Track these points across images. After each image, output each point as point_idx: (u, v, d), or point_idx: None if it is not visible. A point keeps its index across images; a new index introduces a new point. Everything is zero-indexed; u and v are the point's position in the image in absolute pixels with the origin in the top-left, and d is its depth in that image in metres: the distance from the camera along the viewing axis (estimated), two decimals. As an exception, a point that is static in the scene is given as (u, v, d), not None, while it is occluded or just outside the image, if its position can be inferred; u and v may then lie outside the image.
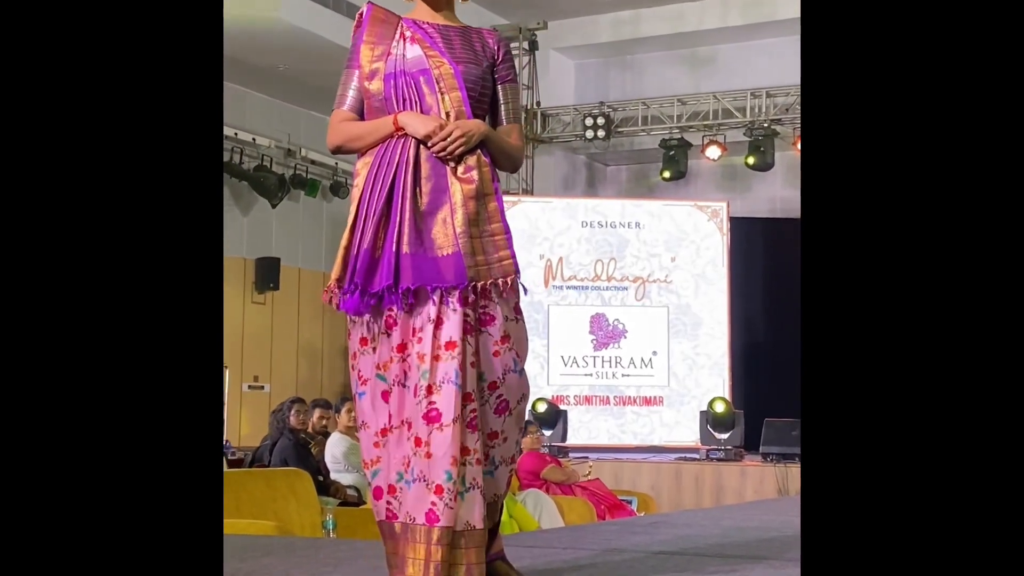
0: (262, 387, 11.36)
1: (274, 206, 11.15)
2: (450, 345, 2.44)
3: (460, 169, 2.53)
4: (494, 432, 2.52)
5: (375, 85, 2.60)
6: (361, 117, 2.65)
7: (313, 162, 11.60)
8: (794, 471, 8.57)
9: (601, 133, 11.40)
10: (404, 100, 2.58)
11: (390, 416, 2.50)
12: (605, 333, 10.64)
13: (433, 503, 2.39)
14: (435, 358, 2.44)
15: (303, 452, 6.81)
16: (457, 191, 2.51)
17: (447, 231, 2.49)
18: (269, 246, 11.46)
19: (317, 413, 7.62)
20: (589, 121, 11.42)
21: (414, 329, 2.47)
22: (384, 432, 2.51)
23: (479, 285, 2.48)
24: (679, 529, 4.36)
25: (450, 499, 2.38)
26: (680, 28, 11.81)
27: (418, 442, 2.43)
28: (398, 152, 2.54)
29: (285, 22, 9.32)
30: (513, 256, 2.56)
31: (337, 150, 2.69)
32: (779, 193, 12.15)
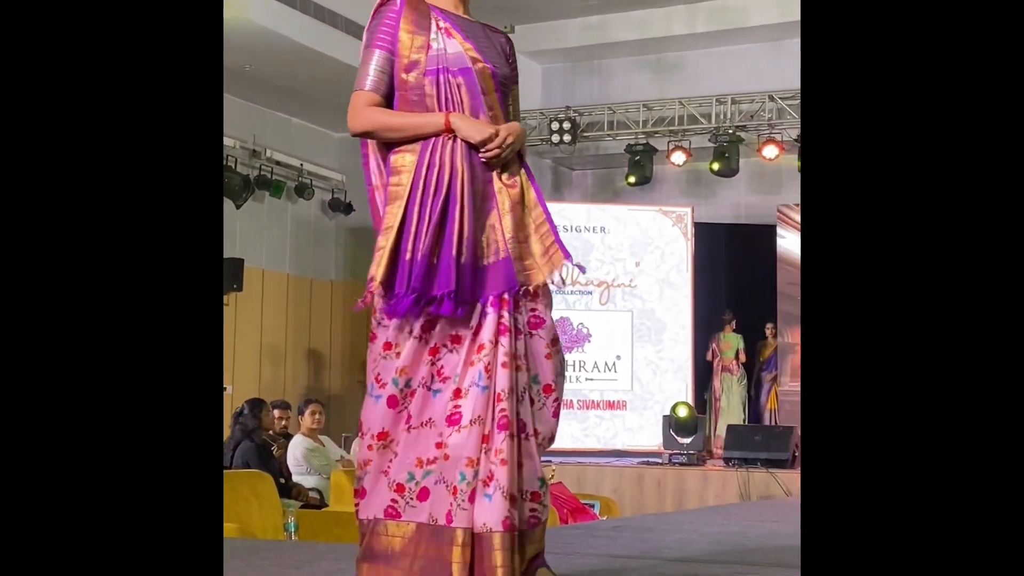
0: (225, 388, 11.29)
1: (238, 207, 11.08)
2: (480, 348, 2.47)
3: (505, 176, 2.55)
4: (551, 435, 2.64)
5: (414, 77, 2.53)
6: (387, 101, 2.56)
7: (278, 163, 11.54)
8: (756, 476, 8.62)
9: (567, 137, 11.40)
10: (448, 100, 2.53)
11: (409, 416, 2.49)
12: (569, 337, 10.64)
13: (450, 504, 2.44)
14: (468, 363, 2.46)
15: (265, 454, 6.79)
16: (504, 198, 2.53)
17: (496, 237, 2.52)
18: (233, 247, 11.38)
19: (276, 414, 7.59)
20: (555, 125, 11.42)
21: (452, 335, 2.48)
22: (381, 436, 2.50)
23: (528, 289, 2.54)
24: (641, 533, 4.37)
25: (463, 500, 2.42)
26: (647, 34, 11.83)
27: (439, 444, 2.46)
28: (448, 156, 2.49)
29: (252, 23, 9.26)
30: (561, 245, 2.59)
31: (364, 135, 2.58)
32: (743, 199, 12.21)
